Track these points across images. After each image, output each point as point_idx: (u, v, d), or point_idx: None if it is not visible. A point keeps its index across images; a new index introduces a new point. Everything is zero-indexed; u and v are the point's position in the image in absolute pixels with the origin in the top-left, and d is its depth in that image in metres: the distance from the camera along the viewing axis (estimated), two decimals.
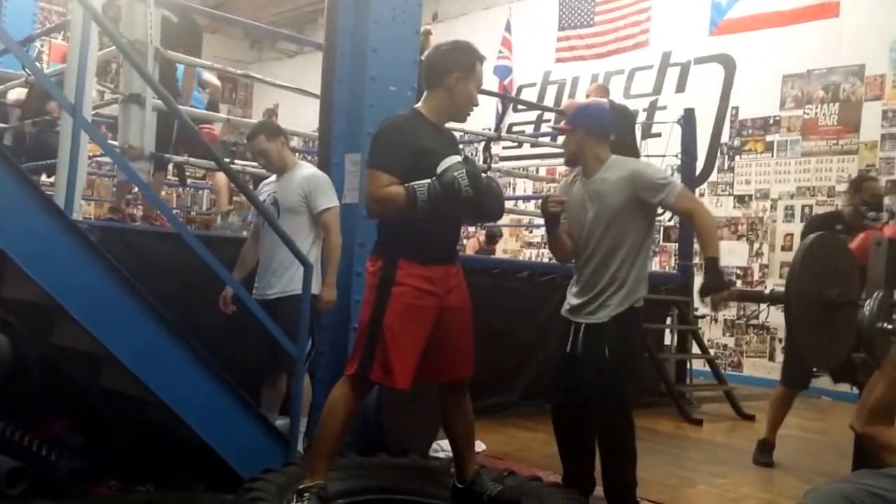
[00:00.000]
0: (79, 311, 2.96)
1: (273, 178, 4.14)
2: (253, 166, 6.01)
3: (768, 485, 4.33)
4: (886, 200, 7.86)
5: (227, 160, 4.80)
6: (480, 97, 3.00)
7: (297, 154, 4.36)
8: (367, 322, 2.79)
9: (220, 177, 6.33)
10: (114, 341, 3.03)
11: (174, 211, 8.79)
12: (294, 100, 6.08)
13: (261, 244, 4.00)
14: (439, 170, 2.70)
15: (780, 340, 8.31)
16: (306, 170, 4.06)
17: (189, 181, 7.80)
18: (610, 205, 3.05)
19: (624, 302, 3.01)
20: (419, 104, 2.99)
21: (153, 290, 3.20)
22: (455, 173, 2.67)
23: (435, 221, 2.79)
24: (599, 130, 3.18)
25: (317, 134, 4.65)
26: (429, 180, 2.70)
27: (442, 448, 3.98)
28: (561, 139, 3.60)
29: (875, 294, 2.34)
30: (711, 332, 8.81)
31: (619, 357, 2.98)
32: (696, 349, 6.90)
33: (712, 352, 7.78)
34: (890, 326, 2.30)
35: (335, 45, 4.18)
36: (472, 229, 10.37)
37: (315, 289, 3.74)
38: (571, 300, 3.12)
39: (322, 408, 2.88)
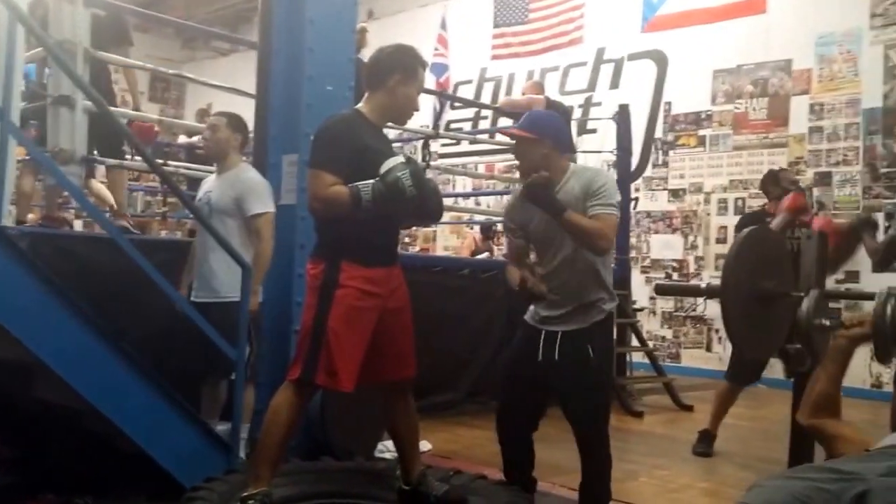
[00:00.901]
0: (5, 319, 2.85)
1: (212, 177, 4.09)
2: (186, 167, 5.91)
3: (708, 474, 4.43)
4: (815, 192, 8.13)
5: (159, 161, 4.71)
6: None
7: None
8: (310, 325, 2.75)
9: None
10: (44, 350, 2.93)
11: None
12: (228, 99, 5.96)
13: (199, 246, 3.94)
14: (383, 170, 2.68)
15: (717, 331, 8.51)
16: (246, 172, 4.00)
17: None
18: (577, 211, 2.94)
19: (602, 309, 2.99)
20: (360, 105, 2.97)
21: (88, 296, 3.12)
22: (399, 173, 2.66)
23: (376, 223, 2.78)
24: (565, 143, 3.14)
25: (252, 134, 4.58)
26: (373, 180, 2.68)
27: (387, 449, 3.96)
28: (500, 136, 3.57)
29: (811, 293, 2.41)
30: (650, 325, 8.97)
31: (601, 362, 3.00)
32: (635, 342, 7.02)
33: (651, 344, 7.92)
34: (827, 322, 2.37)
35: (270, 44, 4.12)
36: (468, 229, 10.31)
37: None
38: (541, 310, 3.04)
39: (264, 413, 2.84)
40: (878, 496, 1.77)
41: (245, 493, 2.67)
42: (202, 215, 3.73)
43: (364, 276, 2.77)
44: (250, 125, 4.50)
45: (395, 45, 2.97)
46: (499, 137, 9.64)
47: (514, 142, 3.17)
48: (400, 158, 2.74)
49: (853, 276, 7.37)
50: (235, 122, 4.11)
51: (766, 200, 5.35)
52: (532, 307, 3.08)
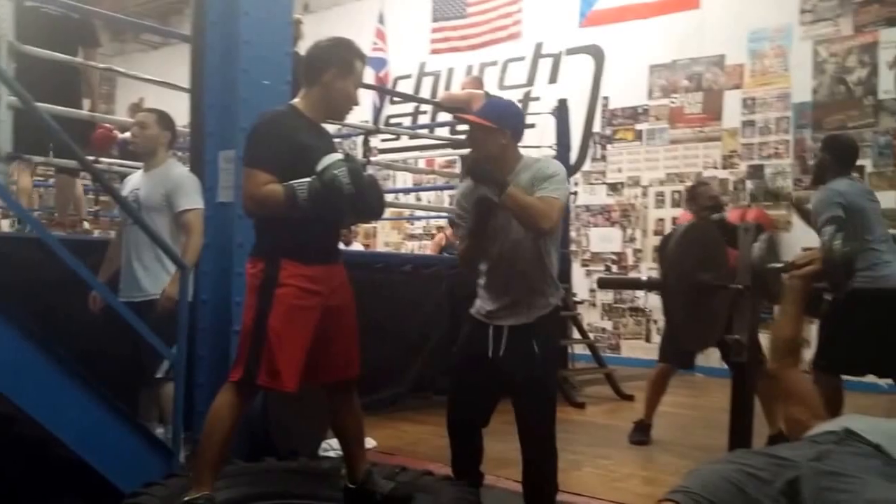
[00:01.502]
0: None
1: (138, 173, 4.02)
2: (120, 164, 5.76)
3: (649, 463, 4.50)
4: (748, 185, 8.33)
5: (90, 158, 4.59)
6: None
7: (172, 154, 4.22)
8: (250, 326, 2.70)
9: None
10: None
11: (35, 213, 8.30)
12: (161, 94, 5.84)
13: (124, 244, 3.86)
14: (319, 167, 2.63)
15: (656, 322, 8.66)
16: (174, 169, 3.96)
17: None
18: None
19: (547, 302, 2.96)
20: (296, 100, 2.91)
21: (17, 298, 3.01)
22: (336, 171, 2.61)
23: (315, 220, 2.73)
24: (521, 132, 3.09)
25: (188, 130, 4.49)
26: (309, 178, 2.63)
27: (332, 447, 3.93)
28: (440, 131, 3.54)
29: (761, 237, 2.47)
30: (590, 317, 9.09)
31: (547, 355, 2.96)
32: (576, 334, 7.09)
33: (592, 336, 8.02)
34: (779, 265, 2.42)
35: (204, 36, 4.03)
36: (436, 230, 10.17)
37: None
38: (486, 305, 3.00)
39: (205, 414, 2.78)
40: (808, 481, 1.83)
41: (187, 498, 2.61)
42: (136, 212, 3.64)
43: (305, 274, 2.72)
44: (185, 120, 4.42)
45: (332, 38, 2.90)
46: (439, 132, 9.65)
47: (466, 132, 3.12)
48: (337, 156, 2.69)
49: None
50: (164, 119, 4.06)
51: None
52: (478, 301, 3.05)
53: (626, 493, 3.84)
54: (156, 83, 5.93)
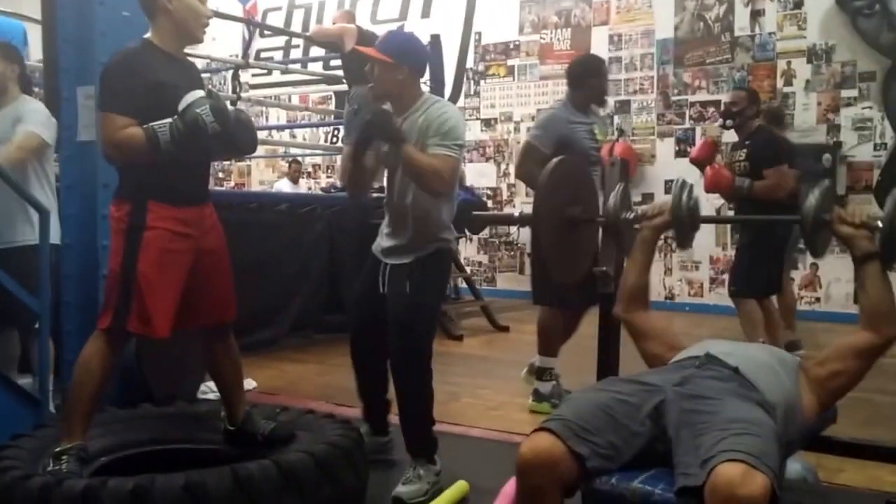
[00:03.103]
0: None
1: None
2: None
3: (525, 390, 4.66)
4: (616, 119, 8.60)
5: None
6: (224, 23, 2.82)
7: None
8: (117, 271, 2.60)
9: None
10: None
11: None
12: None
13: None
14: (181, 107, 2.51)
15: (529, 255, 8.91)
16: (28, 104, 3.74)
17: None
18: (418, 146, 2.88)
19: (428, 244, 2.97)
20: (148, 34, 2.74)
21: None
22: (198, 110, 2.49)
23: (182, 160, 2.62)
24: (422, 69, 3.04)
25: (41, 65, 4.21)
26: (170, 119, 2.50)
27: (211, 389, 3.88)
28: (313, 66, 3.46)
29: (616, 187, 2.56)
30: (467, 251, 9.25)
31: (420, 297, 2.94)
32: (454, 269, 7.21)
33: (468, 269, 8.17)
34: (632, 216, 2.53)
35: None
36: None
37: (55, 237, 3.46)
38: (383, 241, 3.04)
39: (73, 363, 2.69)
40: (672, 404, 1.96)
41: (58, 448, 2.53)
42: None
43: (174, 216, 2.63)
44: (36, 54, 4.15)
45: None
46: (312, 67, 9.42)
47: (339, 69, 3.06)
48: (199, 93, 2.55)
49: (649, 199, 7.92)
50: (8, 52, 3.81)
51: None
52: (378, 239, 3.09)
53: (502, 421, 4.01)
54: (2, 14, 5.50)
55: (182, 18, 2.68)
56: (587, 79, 4.36)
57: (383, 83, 2.93)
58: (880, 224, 2.14)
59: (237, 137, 2.67)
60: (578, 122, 4.18)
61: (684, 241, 2.50)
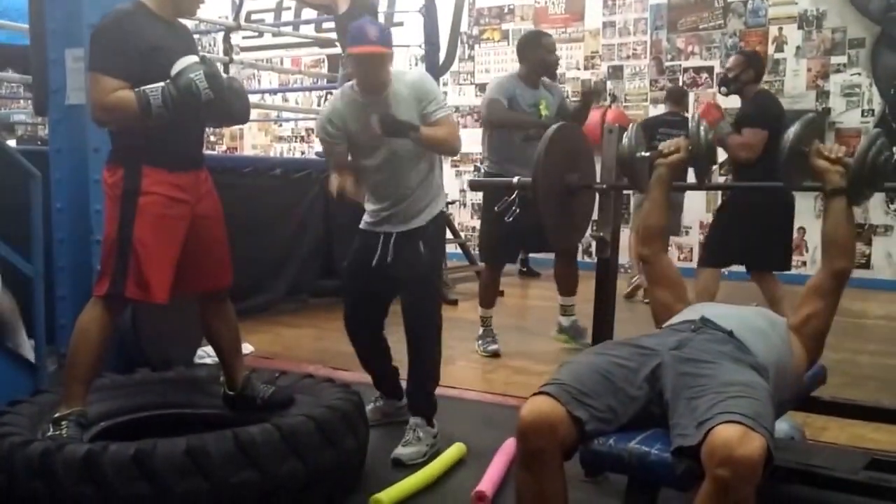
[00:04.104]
0: None
1: None
2: None
3: (519, 354, 4.70)
4: (609, 85, 8.55)
5: None
6: None
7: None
8: (114, 237, 2.58)
9: None
10: None
11: None
12: None
13: None
14: (174, 72, 2.48)
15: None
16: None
17: None
18: (416, 115, 2.94)
19: (433, 208, 3.07)
20: None
21: None
22: (192, 75, 2.46)
23: (177, 124, 2.59)
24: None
25: (27, 27, 4.15)
26: (163, 83, 2.47)
27: (208, 354, 3.90)
28: (305, 29, 3.43)
29: (631, 126, 2.58)
30: (461, 217, 9.24)
31: (433, 257, 3.08)
32: (448, 234, 7.21)
33: (463, 235, 8.17)
34: (647, 154, 2.53)
35: None
36: None
37: None
38: (374, 215, 3.09)
39: (70, 328, 2.69)
40: (668, 367, 1.98)
41: (57, 414, 2.54)
42: None
43: (170, 181, 2.62)
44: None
45: None
46: (304, 30, 9.32)
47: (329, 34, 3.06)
48: (193, 58, 2.52)
49: None
50: None
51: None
52: (366, 214, 3.13)
53: (497, 384, 4.05)
54: None
55: None
56: (527, 51, 4.77)
57: (382, 74, 2.95)
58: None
59: (230, 105, 2.65)
60: (521, 94, 4.60)
61: (703, 176, 2.53)
